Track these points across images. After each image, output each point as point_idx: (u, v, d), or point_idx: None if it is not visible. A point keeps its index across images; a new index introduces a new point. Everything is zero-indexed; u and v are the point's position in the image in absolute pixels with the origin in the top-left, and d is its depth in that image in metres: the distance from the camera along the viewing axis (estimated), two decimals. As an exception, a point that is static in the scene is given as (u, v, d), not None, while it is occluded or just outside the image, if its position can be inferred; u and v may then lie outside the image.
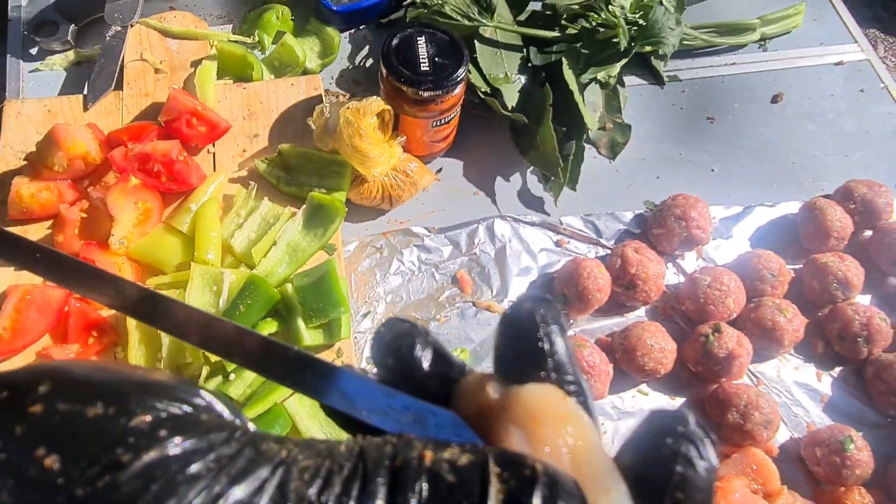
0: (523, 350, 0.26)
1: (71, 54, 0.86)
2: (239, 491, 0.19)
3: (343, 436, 0.24)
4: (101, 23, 0.84)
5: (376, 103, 0.74)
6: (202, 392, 0.23)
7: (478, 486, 0.20)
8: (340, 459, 0.21)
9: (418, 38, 0.75)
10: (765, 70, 1.00)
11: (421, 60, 0.74)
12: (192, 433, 0.21)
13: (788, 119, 0.96)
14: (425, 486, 0.20)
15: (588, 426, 0.23)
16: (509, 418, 0.23)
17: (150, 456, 0.20)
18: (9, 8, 0.87)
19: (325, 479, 0.20)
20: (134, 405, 0.21)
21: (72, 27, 0.85)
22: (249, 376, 0.65)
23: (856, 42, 1.04)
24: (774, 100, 0.98)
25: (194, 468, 0.20)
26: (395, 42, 0.74)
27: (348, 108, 0.73)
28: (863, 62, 1.02)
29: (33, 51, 0.86)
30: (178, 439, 0.20)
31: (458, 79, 0.74)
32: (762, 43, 1.02)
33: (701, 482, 0.22)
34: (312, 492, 0.20)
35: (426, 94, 0.73)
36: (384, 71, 0.74)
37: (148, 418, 0.20)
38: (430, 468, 0.21)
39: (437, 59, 0.74)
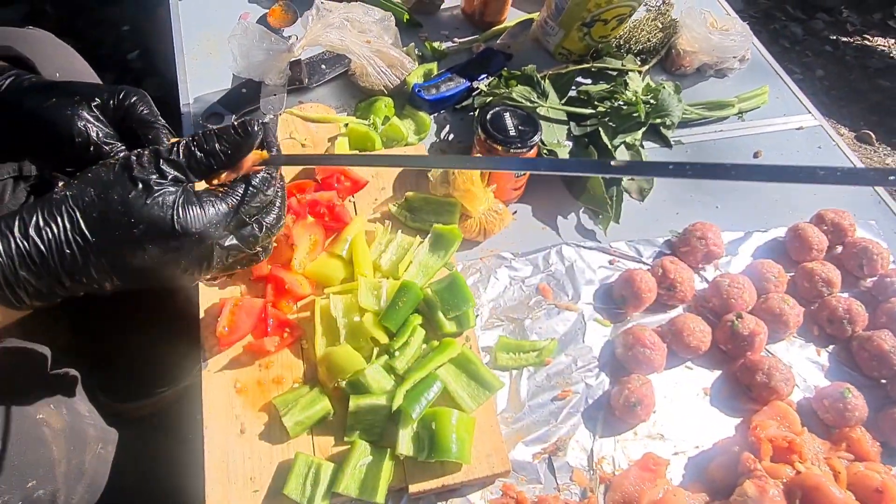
0: None
1: (232, 136, 1.13)
2: None
3: None
4: (255, 113, 1.12)
5: (480, 159, 1.01)
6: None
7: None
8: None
9: (505, 113, 1.04)
10: (745, 135, 1.32)
11: (509, 128, 1.02)
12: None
13: (768, 169, 1.26)
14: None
15: None
16: None
17: None
18: (181, 104, 1.15)
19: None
20: None
21: (233, 117, 1.12)
22: (410, 352, 0.88)
23: (810, 113, 1.37)
24: (755, 155, 1.28)
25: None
26: (489, 116, 1.03)
27: (460, 162, 1.00)
28: (816, 127, 1.35)
29: (202, 135, 1.13)
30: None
31: (535, 140, 1.03)
32: (740, 115, 1.34)
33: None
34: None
35: (514, 151, 1.01)
36: (482, 136, 1.02)
37: None
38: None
39: (519, 127, 1.03)
